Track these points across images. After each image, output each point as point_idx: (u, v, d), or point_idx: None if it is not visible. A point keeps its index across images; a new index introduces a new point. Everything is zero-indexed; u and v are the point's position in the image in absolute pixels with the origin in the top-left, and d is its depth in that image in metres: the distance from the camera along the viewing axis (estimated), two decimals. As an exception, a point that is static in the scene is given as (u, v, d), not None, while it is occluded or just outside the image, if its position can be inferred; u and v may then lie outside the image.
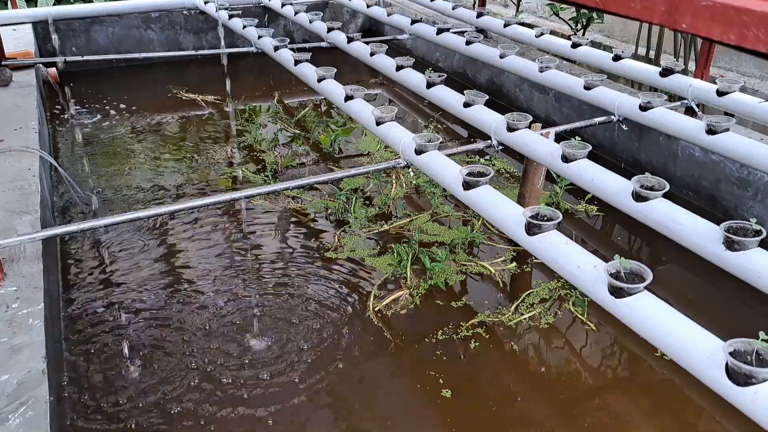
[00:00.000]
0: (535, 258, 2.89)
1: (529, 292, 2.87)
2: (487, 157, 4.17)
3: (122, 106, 5.10)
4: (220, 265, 3.08)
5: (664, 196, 2.21)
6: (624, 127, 3.40)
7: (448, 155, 2.74)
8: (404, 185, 3.85)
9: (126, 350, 2.51)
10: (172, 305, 2.78)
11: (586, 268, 1.86)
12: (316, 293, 2.87)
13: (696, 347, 1.54)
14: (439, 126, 4.78)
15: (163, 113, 5.00)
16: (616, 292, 1.73)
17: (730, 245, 1.93)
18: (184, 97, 5.23)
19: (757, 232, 1.91)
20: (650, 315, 1.65)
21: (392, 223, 3.44)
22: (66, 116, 4.88)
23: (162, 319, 2.70)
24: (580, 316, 2.72)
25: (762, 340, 1.44)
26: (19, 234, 2.32)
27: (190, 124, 4.86)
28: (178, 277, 2.98)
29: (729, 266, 1.94)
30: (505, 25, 4.72)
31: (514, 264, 3.09)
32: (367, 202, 3.66)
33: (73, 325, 2.66)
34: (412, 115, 5.09)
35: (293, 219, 3.51)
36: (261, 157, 4.18)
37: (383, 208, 3.60)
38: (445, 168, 2.56)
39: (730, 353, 1.46)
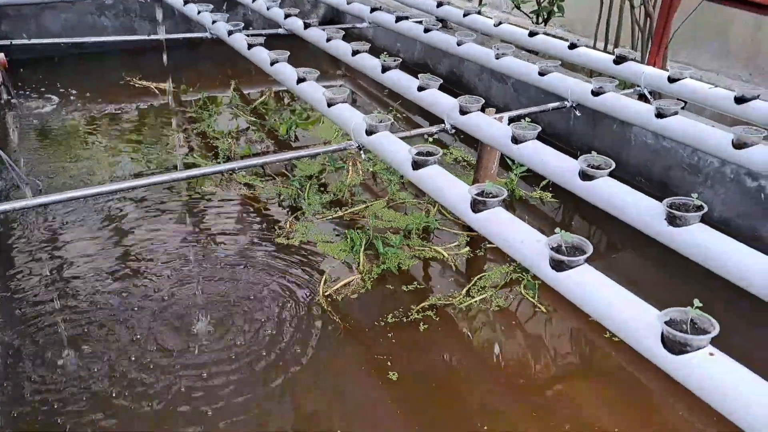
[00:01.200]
0: (489, 242, 2.87)
1: (480, 275, 2.84)
2: (446, 151, 4.14)
3: (73, 92, 4.93)
4: (166, 251, 2.98)
5: (616, 179, 2.20)
6: (577, 112, 3.41)
7: (402, 138, 2.69)
8: (361, 172, 3.80)
9: (62, 337, 2.40)
10: (114, 291, 2.68)
11: (529, 243, 1.84)
12: (266, 279, 2.80)
13: (633, 318, 1.51)
14: (399, 115, 4.74)
15: (115, 101, 4.85)
16: (557, 266, 1.70)
17: (672, 221, 1.93)
18: (137, 85, 5.08)
19: (699, 208, 1.91)
20: (589, 287, 1.63)
21: (347, 210, 3.38)
22: (14, 102, 4.69)
23: (102, 304, 2.59)
24: (530, 298, 2.70)
25: (696, 307, 1.42)
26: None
27: (143, 111, 4.72)
28: (122, 263, 2.87)
29: (671, 242, 1.93)
30: (465, 15, 4.70)
31: (468, 249, 3.07)
32: (322, 189, 3.59)
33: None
34: (373, 105, 5.04)
35: (245, 206, 3.42)
36: (214, 144, 4.08)
37: (338, 195, 3.54)
38: (395, 148, 2.51)
39: (666, 322, 1.44)
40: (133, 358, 2.31)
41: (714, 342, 1.41)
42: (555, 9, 6.09)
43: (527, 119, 2.61)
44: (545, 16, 6.22)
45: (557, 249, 1.72)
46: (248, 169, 3.72)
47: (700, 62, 5.85)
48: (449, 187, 2.20)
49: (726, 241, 1.86)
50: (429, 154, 2.37)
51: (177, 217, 3.28)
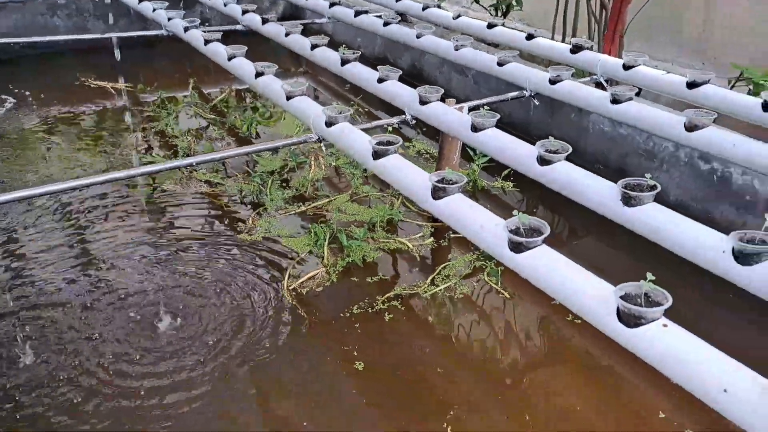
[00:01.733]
0: (453, 233, 2.89)
1: (445, 264, 2.86)
2: (408, 144, 4.15)
3: (27, 93, 4.80)
4: (126, 250, 2.91)
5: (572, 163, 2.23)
6: (536, 102, 3.45)
7: (362, 130, 2.69)
8: (323, 167, 3.78)
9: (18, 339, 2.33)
10: (73, 292, 2.61)
11: (488, 227, 1.85)
12: (229, 276, 2.76)
13: (589, 294, 1.54)
14: (361, 110, 4.73)
15: (70, 101, 4.73)
16: (516, 248, 1.72)
17: (627, 201, 1.96)
18: (93, 85, 4.96)
19: (652, 187, 1.95)
20: (547, 267, 1.65)
21: (310, 204, 3.36)
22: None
23: (62, 307, 2.52)
24: (494, 285, 2.73)
25: (648, 281, 1.45)
26: None
27: (99, 112, 4.61)
28: (79, 263, 2.80)
29: (627, 222, 1.97)
30: (424, 8, 4.72)
31: (432, 239, 3.08)
32: (284, 185, 3.56)
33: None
34: (334, 100, 5.02)
35: (206, 203, 3.37)
36: (173, 143, 4.01)
37: (301, 190, 3.52)
38: (355, 139, 2.50)
39: (621, 297, 1.46)
40: (91, 355, 2.25)
41: (668, 315, 1.45)
42: (513, 2, 6.17)
43: (486, 108, 2.63)
44: (504, 10, 6.29)
45: (515, 231, 1.74)
46: (209, 167, 3.67)
47: (654, 53, 5.99)
48: (410, 176, 2.20)
49: (678, 219, 1.90)
50: (389, 143, 2.36)
51: (136, 215, 3.22)
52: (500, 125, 2.55)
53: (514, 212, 1.75)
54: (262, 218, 3.22)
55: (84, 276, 2.72)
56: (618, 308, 1.47)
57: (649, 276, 1.45)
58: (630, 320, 1.45)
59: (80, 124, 4.39)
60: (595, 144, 3.67)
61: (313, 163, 3.77)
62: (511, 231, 1.74)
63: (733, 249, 1.74)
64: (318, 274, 2.78)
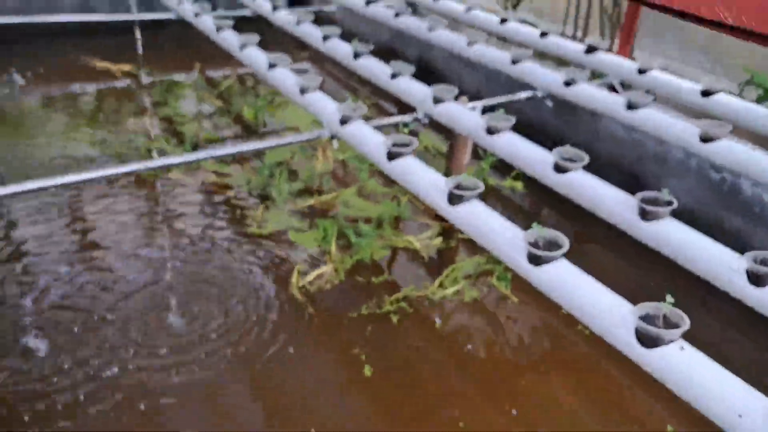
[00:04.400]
0: (461, 233, 2.88)
1: (453, 266, 2.86)
2: (415, 137, 4.13)
3: (30, 74, 4.73)
4: (134, 242, 2.90)
5: (587, 170, 2.23)
6: (549, 102, 3.43)
7: (375, 128, 2.67)
8: (330, 159, 3.76)
9: (28, 334, 2.33)
10: (81, 284, 2.60)
11: (505, 237, 1.85)
12: (238, 270, 2.75)
13: (609, 313, 1.54)
14: (369, 102, 4.70)
15: (74, 83, 4.68)
16: (535, 260, 1.72)
17: (643, 215, 1.96)
18: (97, 66, 4.90)
19: (669, 203, 1.95)
20: (566, 282, 1.65)
21: (317, 198, 3.35)
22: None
23: (70, 296, 2.51)
24: (503, 290, 2.73)
25: (668, 303, 1.45)
26: None
27: (104, 94, 4.57)
28: (87, 255, 2.79)
29: (642, 235, 1.97)
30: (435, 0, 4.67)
31: (441, 239, 3.08)
32: (292, 177, 3.55)
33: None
34: (342, 92, 4.98)
35: (213, 194, 3.36)
36: (180, 130, 3.98)
37: (309, 183, 3.50)
38: (369, 139, 2.49)
39: (640, 317, 1.47)
40: (100, 345, 2.25)
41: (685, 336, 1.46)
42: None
43: (501, 110, 2.61)
44: (515, 2, 6.23)
45: (534, 244, 1.74)
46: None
47: (663, 50, 5.96)
48: (425, 179, 2.19)
49: (693, 236, 1.90)
50: (404, 145, 2.35)
51: (144, 204, 3.20)
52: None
53: (533, 225, 1.75)
54: (270, 211, 3.21)
55: (85, 269, 2.71)
56: (636, 329, 1.48)
57: (669, 298, 1.46)
58: (648, 341, 1.46)
59: (85, 106, 4.34)
60: (607, 146, 3.66)
61: (320, 155, 3.75)
62: (530, 243, 1.74)
63: (747, 270, 1.75)
64: (326, 271, 2.78)
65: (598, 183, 2.16)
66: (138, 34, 3.87)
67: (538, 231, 1.75)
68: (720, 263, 1.81)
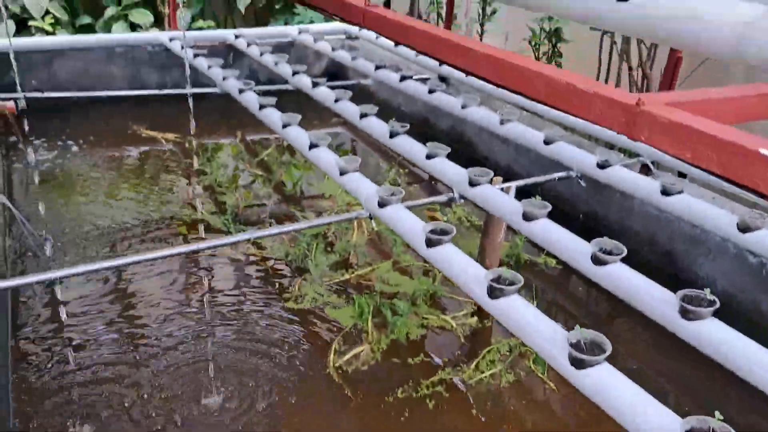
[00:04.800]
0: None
1: (489, 348, 2.86)
2: (449, 209, 4.20)
3: (81, 141, 4.97)
4: (168, 313, 2.98)
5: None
6: (582, 183, 3.48)
7: (411, 207, 2.75)
8: (365, 232, 3.84)
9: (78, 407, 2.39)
10: (123, 356, 2.67)
11: (547, 336, 1.87)
12: (275, 346, 2.81)
13: (654, 424, 1.54)
14: (401, 170, 4.81)
15: (122, 150, 4.90)
16: (577, 363, 1.74)
17: (685, 314, 1.97)
18: (144, 135, 5.13)
19: (711, 303, 1.96)
20: (610, 388, 1.66)
21: (353, 272, 3.41)
22: (21, 151, 4.72)
23: (114, 370, 2.58)
24: (540, 375, 2.72)
25: (718, 419, 1.45)
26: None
27: (150, 162, 4.76)
28: (129, 327, 2.87)
29: (684, 335, 1.97)
30: (467, 74, 4.82)
31: (476, 318, 3.09)
32: (328, 248, 3.63)
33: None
34: (374, 155, 5.11)
35: (252, 266, 3.45)
36: (221, 199, 4.12)
37: (344, 255, 3.57)
38: (408, 223, 2.56)
39: (687, 431, 1.47)
40: (133, 419, 2.30)
41: None
42: (558, 52, 6.25)
43: (538, 197, 2.67)
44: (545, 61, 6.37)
45: (576, 345, 1.76)
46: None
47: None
48: (465, 270, 2.23)
49: (735, 337, 1.90)
50: (443, 232, 2.41)
51: (181, 276, 3.30)
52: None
53: (576, 327, 1.77)
54: (307, 284, 3.28)
55: (122, 335, 2.79)
56: (683, 443, 1.47)
57: (718, 415, 1.46)
58: (696, 458, 1.45)
59: (132, 174, 4.53)
60: (641, 225, 3.68)
61: (356, 228, 3.83)
62: (572, 345, 1.76)
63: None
64: (363, 351, 2.81)
65: (637, 277, 2.18)
66: (191, 106, 4.05)
67: (581, 333, 1.77)
68: (764, 367, 1.80)
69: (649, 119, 0.94)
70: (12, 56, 3.27)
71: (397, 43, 5.04)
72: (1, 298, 2.73)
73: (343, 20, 2.60)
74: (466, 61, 1.56)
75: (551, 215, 2.58)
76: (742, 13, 1.48)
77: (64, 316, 2.89)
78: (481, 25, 6.71)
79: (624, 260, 2.25)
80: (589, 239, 2.33)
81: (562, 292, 3.52)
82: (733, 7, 1.52)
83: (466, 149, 5.08)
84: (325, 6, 2.65)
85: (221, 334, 2.86)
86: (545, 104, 1.32)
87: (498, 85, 1.50)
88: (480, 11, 6.69)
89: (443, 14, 6.22)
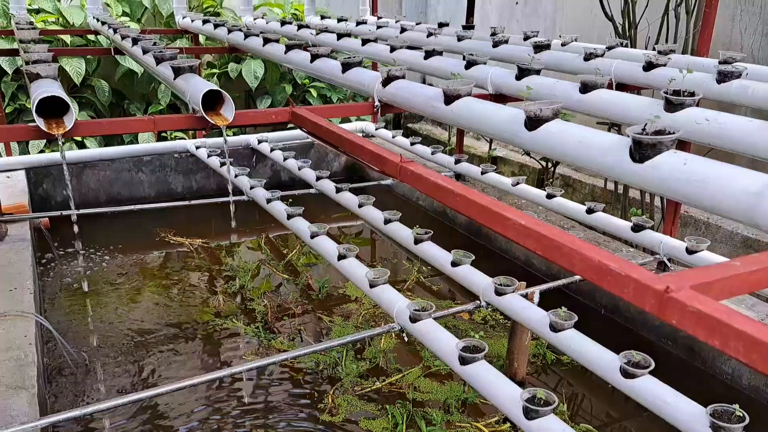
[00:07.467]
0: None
1: (524, 458, 2.89)
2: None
3: (110, 248, 5.18)
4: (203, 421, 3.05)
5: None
6: (602, 281, 3.59)
7: (440, 317, 2.87)
8: (393, 335, 3.93)
9: None
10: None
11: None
12: (313, 463, 2.86)
13: None
14: (425, 267, 4.94)
15: (150, 258, 5.09)
16: (618, 491, 1.80)
17: (716, 430, 2.04)
18: (172, 241, 5.34)
19: (741, 419, 2.03)
20: None
21: (384, 380, 3.48)
22: (55, 263, 4.93)
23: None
24: (576, 485, 2.75)
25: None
26: (19, 424, 2.31)
27: (178, 269, 4.94)
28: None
29: (717, 451, 2.03)
30: (482, 173, 5.04)
31: (508, 425, 3.14)
32: (357, 356, 3.71)
33: None
34: (399, 250, 5.26)
35: (285, 375, 3.53)
36: (251, 307, 4.26)
37: (374, 361, 3.65)
38: (440, 339, 2.66)
39: None
40: None
41: None
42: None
43: (563, 308, 2.78)
44: (554, 162, 6.62)
45: (616, 472, 1.83)
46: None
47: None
48: (500, 388, 2.32)
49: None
50: (476, 350, 2.51)
51: (218, 385, 3.38)
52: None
53: (614, 454, 1.84)
54: (339, 394, 3.35)
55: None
56: None
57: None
58: None
59: (158, 280, 4.70)
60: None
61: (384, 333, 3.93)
62: (610, 471, 1.83)
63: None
64: (400, 465, 2.85)
65: (668, 391, 2.25)
66: (232, 214, 4.27)
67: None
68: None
69: (677, 306, 1.07)
70: (67, 176, 3.40)
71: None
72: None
73: (380, 172, 2.83)
74: (504, 230, 1.71)
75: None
76: (751, 183, 1.67)
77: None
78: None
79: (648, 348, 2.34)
80: (610, 332, 2.44)
81: (589, 391, 3.55)
82: (741, 179, 1.72)
83: (485, 243, 5.22)
84: (360, 156, 2.87)
85: (260, 451, 2.92)
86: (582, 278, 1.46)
87: (536, 254, 1.65)
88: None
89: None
